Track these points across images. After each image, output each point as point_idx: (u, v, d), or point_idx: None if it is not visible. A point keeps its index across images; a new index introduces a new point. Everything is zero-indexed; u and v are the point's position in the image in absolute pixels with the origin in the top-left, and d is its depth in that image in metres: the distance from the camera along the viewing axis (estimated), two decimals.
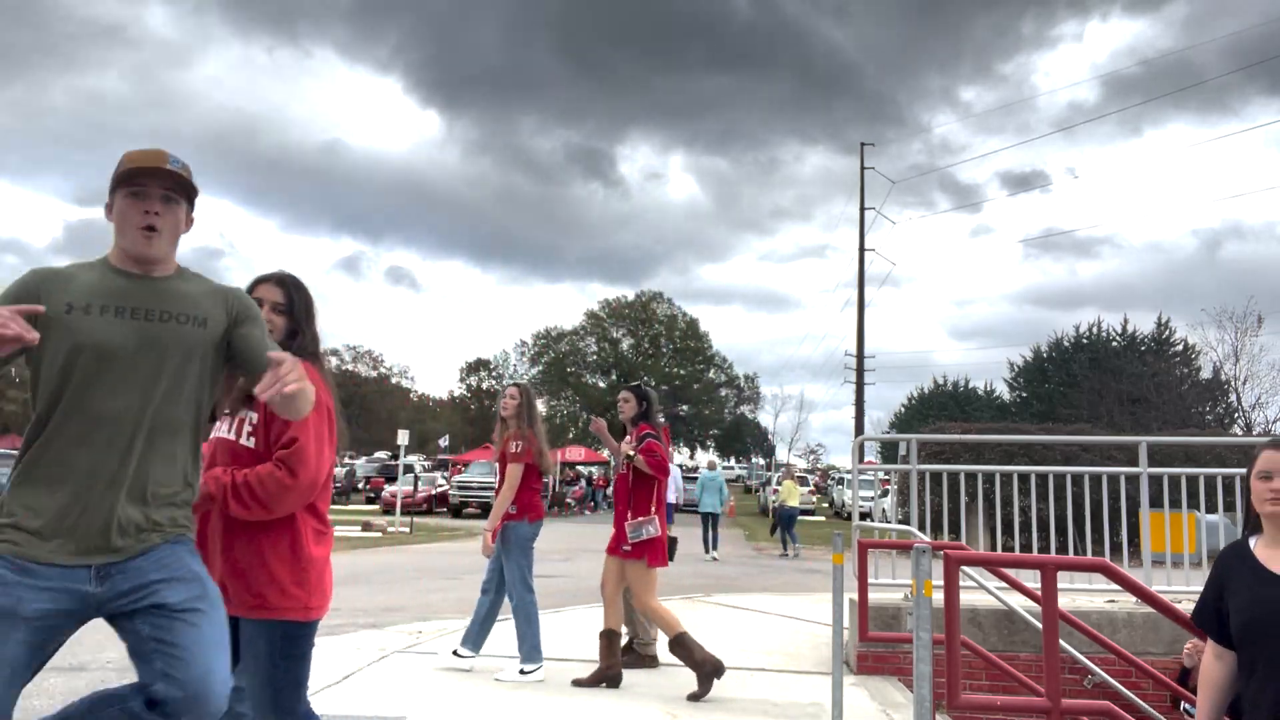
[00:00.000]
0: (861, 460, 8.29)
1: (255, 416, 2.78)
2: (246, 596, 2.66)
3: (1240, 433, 28.47)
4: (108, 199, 2.35)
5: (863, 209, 40.25)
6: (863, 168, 40.64)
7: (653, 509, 5.60)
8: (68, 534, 2.13)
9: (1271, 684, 2.53)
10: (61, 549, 2.13)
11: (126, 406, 2.19)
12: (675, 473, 20.07)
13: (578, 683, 5.54)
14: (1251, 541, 2.70)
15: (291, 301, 2.87)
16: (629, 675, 5.75)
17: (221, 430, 2.83)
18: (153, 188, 2.29)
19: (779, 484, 21.64)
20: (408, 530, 21.81)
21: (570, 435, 60.29)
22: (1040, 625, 3.76)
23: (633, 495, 5.64)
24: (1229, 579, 2.73)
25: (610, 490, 36.10)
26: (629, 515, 5.60)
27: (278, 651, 2.67)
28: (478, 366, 78.25)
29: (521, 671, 5.61)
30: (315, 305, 2.96)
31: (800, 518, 20.87)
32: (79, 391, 2.17)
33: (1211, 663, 2.76)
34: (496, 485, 5.92)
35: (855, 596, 6.35)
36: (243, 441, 2.77)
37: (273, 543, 2.68)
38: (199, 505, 2.62)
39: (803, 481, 38.09)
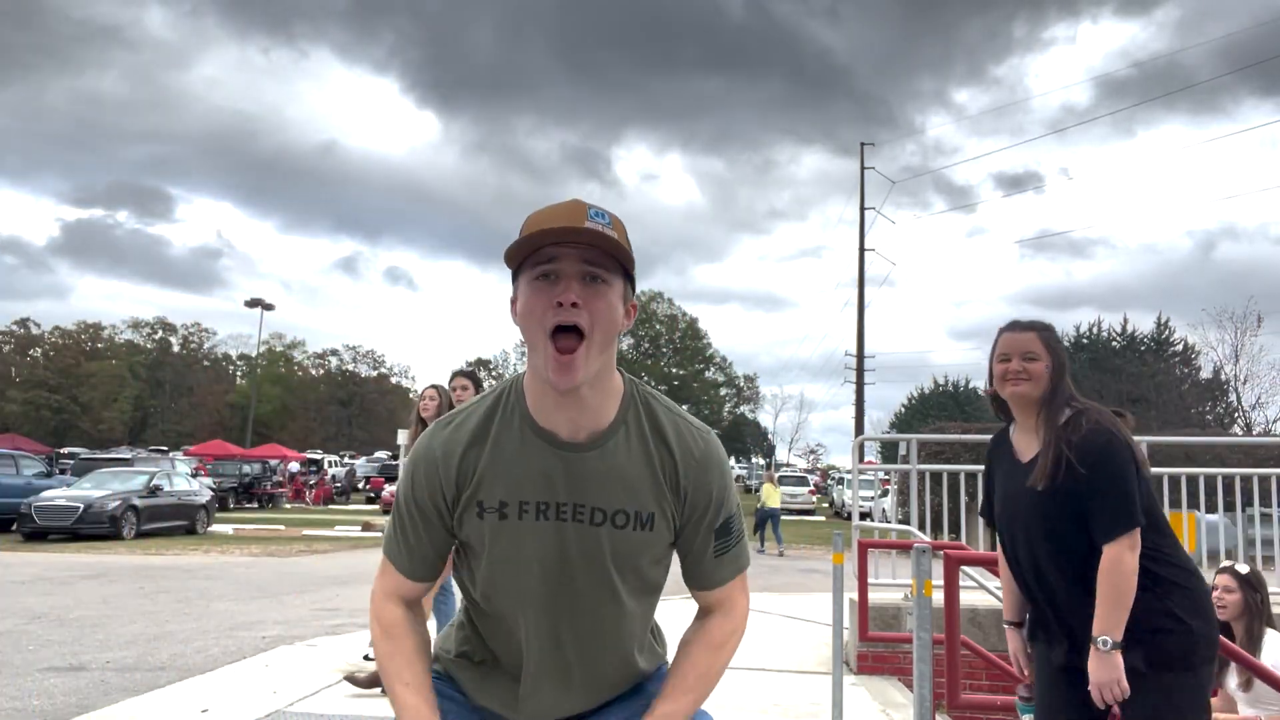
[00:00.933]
0: (861, 460, 8.29)
1: None
2: None
3: (1240, 433, 28.46)
4: (511, 291, 1.55)
5: (863, 209, 40.27)
6: (863, 168, 40.65)
7: None
8: None
9: (1019, 570, 2.64)
10: None
11: (541, 647, 1.62)
12: None
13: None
14: (1011, 429, 2.74)
15: None
16: None
17: None
18: (568, 262, 1.46)
19: (760, 486, 22.20)
20: None
21: None
22: None
23: None
24: (994, 468, 2.79)
25: None
26: None
27: None
28: (478, 366, 78.30)
29: None
30: None
31: (803, 517, 20.96)
32: (498, 617, 1.64)
33: (1003, 554, 2.81)
34: None
35: (855, 596, 6.35)
36: None
37: None
38: None
39: (802, 481, 38.31)
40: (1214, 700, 3.79)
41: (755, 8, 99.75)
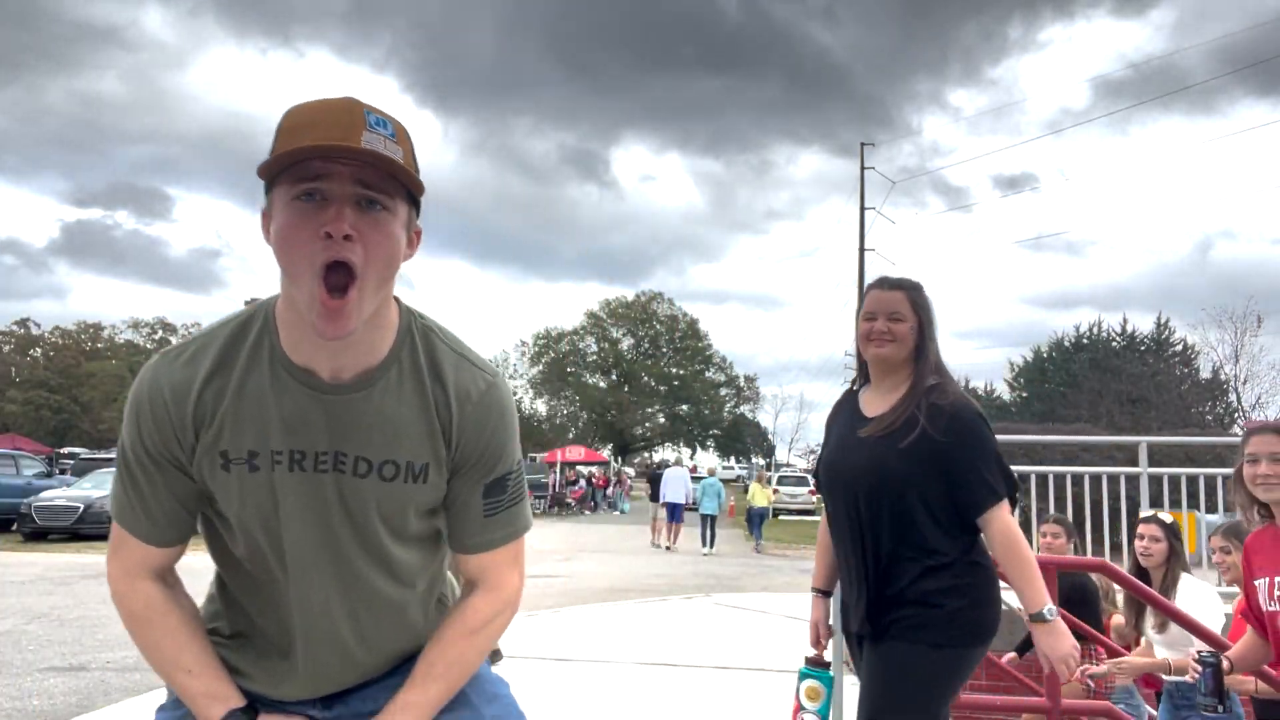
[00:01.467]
0: None
1: None
2: None
3: (1240, 433, 28.46)
4: (263, 203, 1.29)
5: (863, 209, 40.25)
6: (862, 168, 40.64)
7: None
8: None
9: (842, 529, 2.49)
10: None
11: (313, 601, 1.40)
12: (685, 475, 20.23)
13: None
14: (860, 391, 2.64)
15: None
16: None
17: None
18: (339, 182, 1.20)
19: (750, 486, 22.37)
20: None
21: (570, 435, 60.32)
22: None
23: None
24: (832, 427, 2.67)
25: (609, 490, 36.20)
26: None
27: None
28: None
29: None
30: None
31: (803, 517, 21.00)
32: (257, 581, 1.42)
33: (826, 523, 2.70)
34: None
35: None
36: None
37: None
38: None
39: (802, 481, 38.26)
40: (1137, 649, 3.90)
41: (753, 9, 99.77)
